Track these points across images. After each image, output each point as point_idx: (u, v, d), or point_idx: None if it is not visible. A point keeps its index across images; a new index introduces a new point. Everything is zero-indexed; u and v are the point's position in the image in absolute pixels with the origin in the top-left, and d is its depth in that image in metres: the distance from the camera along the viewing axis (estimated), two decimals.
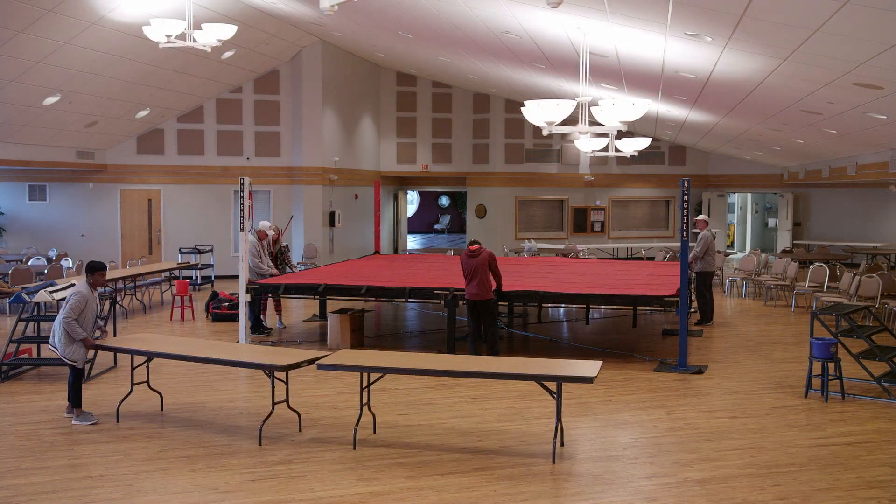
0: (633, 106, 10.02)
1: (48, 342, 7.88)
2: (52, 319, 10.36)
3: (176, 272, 16.40)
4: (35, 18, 11.72)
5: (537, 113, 9.30)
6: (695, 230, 13.60)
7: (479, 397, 8.54)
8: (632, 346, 11.41)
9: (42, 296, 9.97)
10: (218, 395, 8.65)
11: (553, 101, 9.17)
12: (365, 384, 7.08)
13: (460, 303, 10.67)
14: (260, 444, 6.91)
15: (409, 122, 23.43)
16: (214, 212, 19.67)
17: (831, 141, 14.91)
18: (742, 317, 14.19)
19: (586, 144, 13.95)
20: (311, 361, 7.17)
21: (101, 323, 8.16)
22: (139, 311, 14.70)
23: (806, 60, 8.55)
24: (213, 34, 10.20)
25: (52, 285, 10.46)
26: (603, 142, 13.79)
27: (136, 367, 7.89)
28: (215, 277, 18.60)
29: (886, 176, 15.45)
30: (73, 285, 10.68)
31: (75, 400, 7.60)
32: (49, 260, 16.76)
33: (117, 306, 12.74)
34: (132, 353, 7.78)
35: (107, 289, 13.54)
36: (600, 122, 10.49)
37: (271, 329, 12.61)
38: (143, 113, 17.91)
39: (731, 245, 27.42)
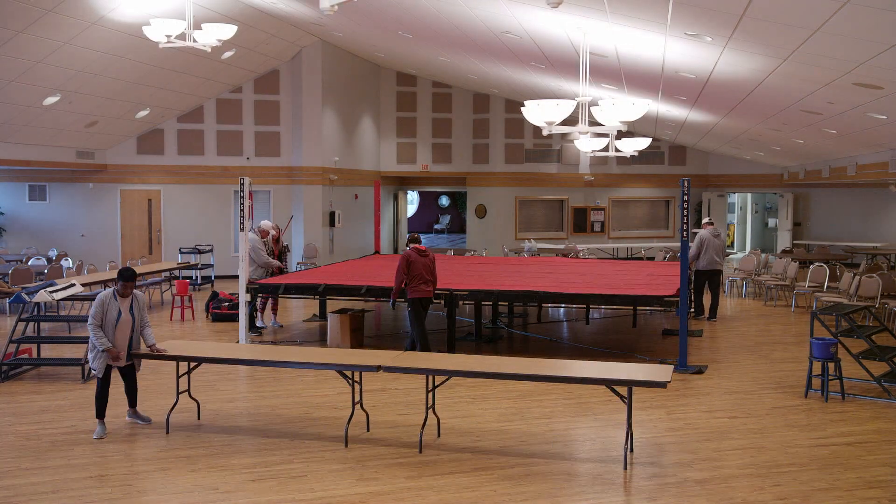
0: (633, 106, 10.02)
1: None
2: (52, 319, 10.41)
3: (176, 272, 16.42)
4: (35, 18, 11.72)
5: (537, 113, 9.30)
6: (695, 230, 13.84)
7: (478, 397, 8.55)
8: (632, 346, 11.41)
9: (42, 296, 9.98)
10: (218, 395, 8.65)
11: (553, 101, 9.16)
12: (430, 387, 7.08)
13: (408, 301, 10.27)
14: (346, 446, 6.90)
15: (409, 122, 23.42)
16: (214, 212, 19.67)
17: (831, 141, 14.91)
18: (742, 317, 14.19)
19: (586, 144, 13.95)
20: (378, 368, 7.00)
21: (147, 330, 7.42)
22: None
23: (806, 60, 8.55)
24: (213, 34, 10.20)
25: (51, 285, 10.46)
26: (603, 142, 13.79)
27: (181, 375, 7.60)
28: (215, 277, 18.60)
29: (886, 176, 15.45)
30: (73, 285, 10.73)
31: (99, 410, 7.23)
32: (49, 260, 16.76)
33: None
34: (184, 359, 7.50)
35: (107, 289, 13.54)
36: (600, 122, 10.48)
37: (265, 327, 12.65)
38: (143, 113, 17.91)
39: (731, 245, 27.42)
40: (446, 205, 39.59)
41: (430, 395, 7.10)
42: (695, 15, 8.04)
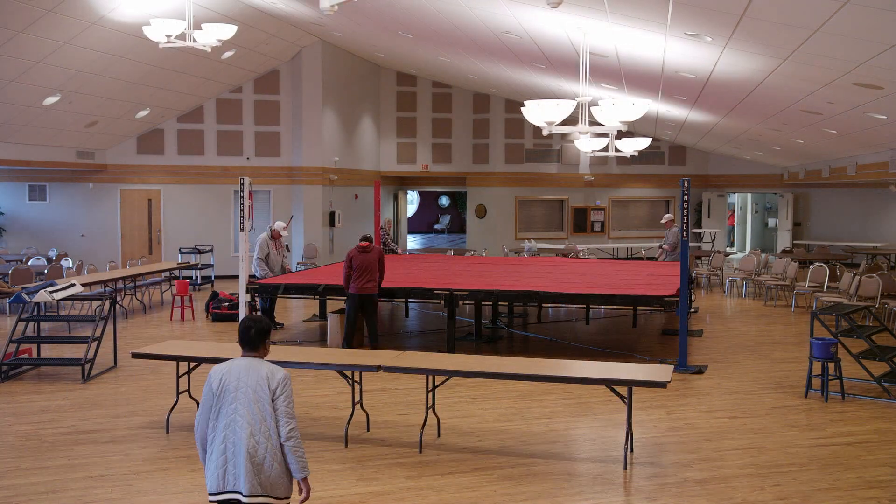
0: (633, 106, 10.02)
1: None
2: (52, 319, 10.40)
3: (176, 272, 16.41)
4: (35, 18, 11.72)
5: (537, 113, 9.29)
6: (664, 229, 15.68)
7: (478, 397, 8.55)
8: (632, 346, 11.41)
9: (42, 296, 9.98)
10: None
11: (553, 101, 9.16)
12: (430, 387, 7.09)
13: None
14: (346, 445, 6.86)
15: (409, 122, 23.42)
16: (214, 212, 19.67)
17: (831, 141, 14.91)
18: (742, 317, 14.19)
19: (586, 144, 13.94)
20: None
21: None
22: (139, 311, 14.70)
23: (806, 60, 8.55)
24: (213, 34, 10.20)
25: (51, 285, 10.47)
26: (603, 142, 13.79)
27: (181, 375, 7.51)
28: (215, 277, 18.60)
29: (886, 176, 15.45)
30: (72, 285, 10.73)
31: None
32: (49, 260, 16.76)
33: (117, 306, 12.73)
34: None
35: (107, 289, 13.56)
36: (600, 122, 10.48)
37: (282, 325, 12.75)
38: (143, 113, 17.91)
39: (732, 245, 27.42)
40: (446, 205, 39.59)
41: (430, 395, 7.10)
42: (695, 15, 8.04)
